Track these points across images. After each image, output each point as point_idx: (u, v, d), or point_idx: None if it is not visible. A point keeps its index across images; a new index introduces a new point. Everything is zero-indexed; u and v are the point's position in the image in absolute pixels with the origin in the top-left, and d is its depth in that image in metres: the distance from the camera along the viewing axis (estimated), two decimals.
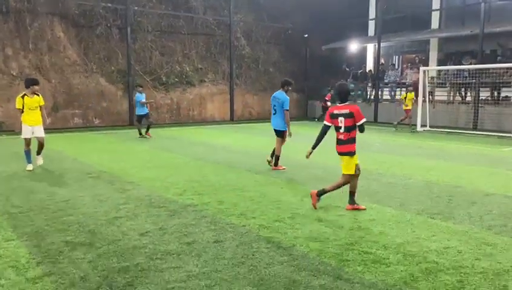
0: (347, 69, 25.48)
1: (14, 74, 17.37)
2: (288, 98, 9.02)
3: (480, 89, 18.06)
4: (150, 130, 15.08)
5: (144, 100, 14.82)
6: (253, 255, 4.35)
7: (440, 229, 5.25)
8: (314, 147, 6.32)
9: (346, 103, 6.04)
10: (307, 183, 7.72)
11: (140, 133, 14.82)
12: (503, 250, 4.56)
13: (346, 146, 6.02)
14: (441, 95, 20.22)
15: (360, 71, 24.42)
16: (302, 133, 16.39)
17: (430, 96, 19.24)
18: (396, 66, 25.29)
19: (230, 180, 8.05)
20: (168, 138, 15.40)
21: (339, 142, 6.08)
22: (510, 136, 15.39)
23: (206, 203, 6.29)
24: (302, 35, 25.82)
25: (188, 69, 21.84)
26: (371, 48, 25.48)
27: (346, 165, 6.08)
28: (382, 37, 22.49)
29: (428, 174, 8.74)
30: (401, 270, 3.99)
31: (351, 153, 6.01)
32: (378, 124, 20.15)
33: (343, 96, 6.09)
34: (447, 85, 19.95)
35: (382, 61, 24.01)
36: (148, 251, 4.45)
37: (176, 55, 21.57)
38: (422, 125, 18.07)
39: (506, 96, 18.22)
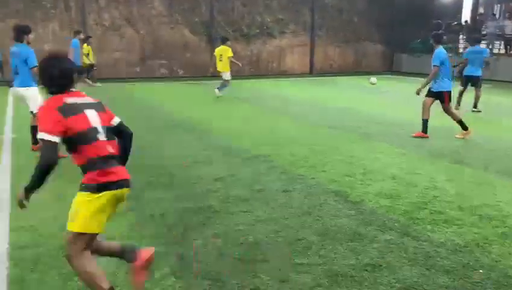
0: (439, 21, 23.46)
1: (106, 24, 18.47)
2: None
3: None
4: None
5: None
6: (320, 206, 4.43)
7: None
8: None
9: None
10: (384, 139, 7.50)
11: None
12: None
13: None
14: None
15: (454, 23, 22.37)
16: (390, 90, 15.76)
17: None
18: (497, 16, 22.80)
19: (304, 133, 8.07)
20: (247, 89, 15.62)
21: None
22: None
23: (277, 154, 6.41)
24: None
25: (269, 20, 21.58)
26: None
27: None
28: None
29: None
30: (475, 233, 3.84)
31: None
32: None
33: None
34: None
35: (481, 10, 21.75)
36: (220, 195, 4.72)
37: (257, 5, 21.36)
38: None
39: None
